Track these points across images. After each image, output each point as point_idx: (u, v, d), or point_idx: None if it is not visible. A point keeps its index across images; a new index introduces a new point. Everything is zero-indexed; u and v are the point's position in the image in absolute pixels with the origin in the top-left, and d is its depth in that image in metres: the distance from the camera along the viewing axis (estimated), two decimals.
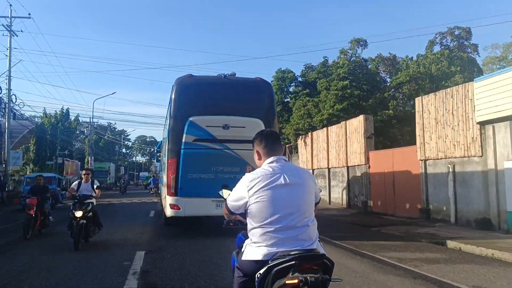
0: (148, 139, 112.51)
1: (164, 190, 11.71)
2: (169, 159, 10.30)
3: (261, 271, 2.44)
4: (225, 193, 3.25)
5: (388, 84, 27.55)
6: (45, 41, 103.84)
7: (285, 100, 29.39)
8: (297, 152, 27.74)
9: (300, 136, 25.56)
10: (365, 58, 27.01)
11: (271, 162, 2.70)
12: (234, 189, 2.74)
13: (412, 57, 27.95)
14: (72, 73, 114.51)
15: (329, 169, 21.75)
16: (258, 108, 10.68)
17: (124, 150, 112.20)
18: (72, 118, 54.20)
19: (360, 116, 18.48)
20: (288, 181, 2.59)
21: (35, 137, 44.05)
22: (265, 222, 2.54)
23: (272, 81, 29.11)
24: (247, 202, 2.61)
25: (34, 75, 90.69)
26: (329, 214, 16.46)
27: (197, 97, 10.51)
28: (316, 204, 2.81)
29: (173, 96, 10.55)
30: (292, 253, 2.40)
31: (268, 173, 2.62)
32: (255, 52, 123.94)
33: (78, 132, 74.85)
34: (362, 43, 27.16)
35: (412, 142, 15.78)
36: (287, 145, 29.92)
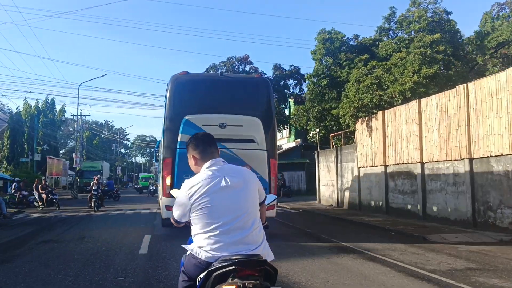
0: (148, 139, 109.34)
1: (160, 191, 11.86)
2: (164, 159, 10.05)
3: (202, 275, 2.45)
4: (175, 192, 2.94)
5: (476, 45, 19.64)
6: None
7: (333, 74, 21.49)
8: (352, 142, 19.98)
9: (360, 119, 17.79)
10: (448, 10, 19.07)
11: (210, 166, 2.65)
12: (176, 198, 2.67)
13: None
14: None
15: (422, 164, 13.95)
16: (256, 106, 10.44)
17: (123, 150, 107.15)
18: (61, 110, 46.20)
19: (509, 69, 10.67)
20: (229, 183, 2.56)
21: (9, 130, 36.41)
22: (208, 227, 2.50)
23: (316, 45, 21.39)
24: (190, 209, 2.56)
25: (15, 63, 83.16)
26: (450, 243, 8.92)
27: (193, 95, 10.29)
28: (262, 203, 2.78)
29: (168, 94, 10.28)
30: (234, 257, 2.37)
31: (208, 177, 2.57)
32: (294, 11, 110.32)
33: (71, 129, 67.44)
34: None
35: None
36: (331, 135, 22.10)
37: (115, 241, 9.97)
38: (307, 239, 10.42)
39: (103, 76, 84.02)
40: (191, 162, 2.76)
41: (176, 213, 2.63)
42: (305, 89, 47.66)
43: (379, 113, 16.52)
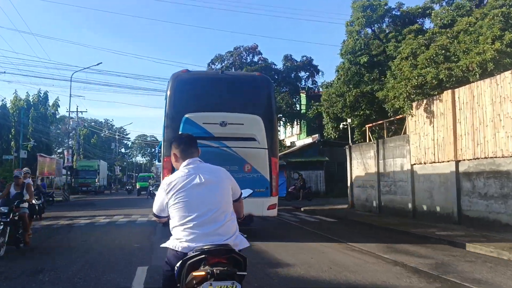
0: (148, 138, 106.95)
1: None
2: (164, 158, 9.90)
3: (178, 264, 2.67)
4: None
5: None
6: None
7: (373, 51, 17.59)
8: (399, 133, 16.15)
9: (415, 103, 13.97)
10: None
11: (187, 165, 2.92)
12: (157, 193, 2.93)
13: None
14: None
15: None
16: (257, 104, 10.36)
17: (123, 150, 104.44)
18: (54, 104, 42.32)
19: None
20: (203, 180, 2.82)
21: None
22: (183, 220, 2.75)
23: (351, 15, 17.51)
24: (167, 203, 2.83)
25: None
26: None
27: (193, 93, 10.24)
28: (236, 200, 3.05)
29: (168, 92, 10.24)
30: (205, 247, 2.61)
31: (184, 174, 2.85)
32: None
33: (69, 127, 63.63)
34: None
35: None
36: (367, 125, 18.25)
37: (88, 280, 6.14)
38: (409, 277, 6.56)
39: (98, 64, 78.76)
40: (172, 159, 3.07)
41: (155, 207, 2.95)
42: (319, 82, 43.88)
43: (446, 94, 12.67)
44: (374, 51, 17.36)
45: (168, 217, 2.90)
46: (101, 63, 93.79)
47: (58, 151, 70.11)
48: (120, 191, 58.92)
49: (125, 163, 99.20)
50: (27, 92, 39.21)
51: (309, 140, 33.22)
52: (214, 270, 2.49)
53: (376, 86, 16.12)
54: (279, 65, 42.54)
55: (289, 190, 25.69)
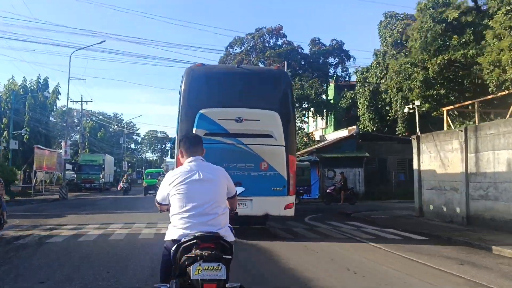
0: (159, 134, 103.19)
1: None
2: (178, 155, 7.57)
3: (173, 248, 3.15)
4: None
5: None
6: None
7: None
8: (508, 116, 11.61)
9: None
10: None
11: (190, 161, 3.40)
12: (161, 184, 3.50)
13: None
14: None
15: None
16: (274, 100, 10.03)
17: (133, 146, 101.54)
18: (54, 91, 38.17)
19: None
20: (202, 177, 3.29)
21: None
22: (181, 210, 3.23)
23: None
24: (169, 193, 3.33)
25: None
26: None
27: (208, 88, 9.97)
28: (231, 198, 3.57)
29: (182, 87, 9.92)
30: (197, 234, 3.07)
31: (186, 170, 3.33)
32: None
33: (75, 120, 59.86)
34: None
35: None
36: (445, 109, 13.69)
37: None
38: None
39: (101, 42, 73.36)
40: (179, 154, 3.58)
41: (158, 196, 3.48)
42: (351, 70, 39.24)
43: None
44: (462, 7, 12.81)
45: (168, 205, 3.40)
46: (104, 41, 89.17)
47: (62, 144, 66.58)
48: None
49: (134, 159, 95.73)
50: (23, 77, 34.88)
51: (342, 132, 28.71)
52: (203, 253, 2.97)
53: (472, 51, 11.56)
54: (306, 50, 38.17)
55: (328, 191, 21.34)
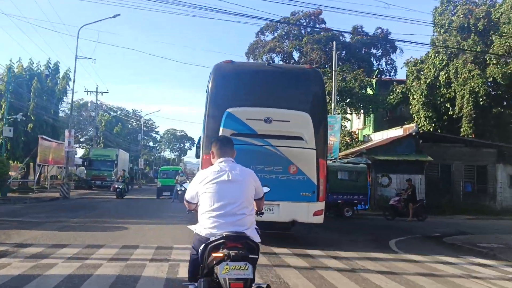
0: (178, 133, 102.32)
1: None
2: (204, 155, 9.32)
3: (201, 247, 3.22)
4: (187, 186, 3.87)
5: None
6: None
7: None
8: None
9: None
10: None
11: (221, 162, 3.47)
12: (191, 182, 3.61)
13: None
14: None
15: None
16: (306, 100, 9.63)
17: (151, 144, 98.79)
18: (64, 77, 34.34)
19: None
20: (231, 178, 3.35)
21: None
22: (209, 209, 3.30)
23: None
24: (198, 192, 3.43)
25: None
26: None
27: (237, 86, 9.62)
28: (259, 199, 3.64)
29: (210, 85, 9.58)
30: (224, 234, 3.14)
31: (216, 170, 3.40)
32: None
33: (92, 114, 56.35)
34: None
35: None
36: None
37: None
38: None
39: (115, 16, 68.46)
40: (211, 155, 3.63)
41: (187, 195, 3.59)
42: (398, 63, 34.14)
43: None
44: None
45: (196, 205, 3.53)
46: (119, 14, 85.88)
47: (81, 139, 63.48)
48: (143, 187, 51.10)
49: (152, 157, 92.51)
50: (30, 59, 31.10)
51: (398, 132, 23.90)
52: (231, 253, 3.02)
53: None
54: (347, 38, 33.59)
55: (391, 202, 16.72)
